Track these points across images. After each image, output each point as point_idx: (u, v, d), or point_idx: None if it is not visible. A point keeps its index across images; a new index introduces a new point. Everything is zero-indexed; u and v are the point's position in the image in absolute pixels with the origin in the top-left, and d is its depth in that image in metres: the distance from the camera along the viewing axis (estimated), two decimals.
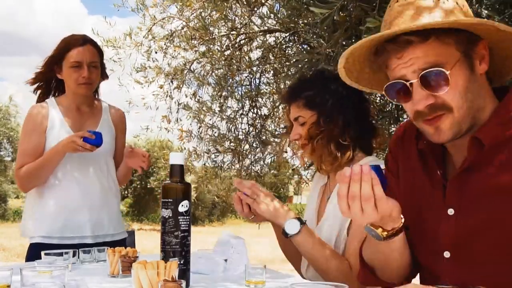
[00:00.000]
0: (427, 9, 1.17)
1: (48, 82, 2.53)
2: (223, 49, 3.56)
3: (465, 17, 1.19)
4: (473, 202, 1.21)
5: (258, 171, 3.85)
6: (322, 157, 1.84)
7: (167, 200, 1.46)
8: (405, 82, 1.18)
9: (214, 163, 3.79)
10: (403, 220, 1.24)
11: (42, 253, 1.71)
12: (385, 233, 1.23)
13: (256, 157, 3.79)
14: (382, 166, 1.29)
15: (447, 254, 1.25)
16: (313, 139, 1.81)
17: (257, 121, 3.76)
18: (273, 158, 3.83)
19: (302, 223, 1.73)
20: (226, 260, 1.73)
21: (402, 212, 1.24)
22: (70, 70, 2.41)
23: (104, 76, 2.61)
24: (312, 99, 1.83)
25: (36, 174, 2.37)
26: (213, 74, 3.65)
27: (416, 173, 1.35)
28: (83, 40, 2.44)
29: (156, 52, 3.85)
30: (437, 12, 1.17)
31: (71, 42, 2.42)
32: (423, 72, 1.15)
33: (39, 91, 2.55)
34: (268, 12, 3.03)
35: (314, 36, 2.25)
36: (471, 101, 1.18)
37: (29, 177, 2.38)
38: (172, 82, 3.94)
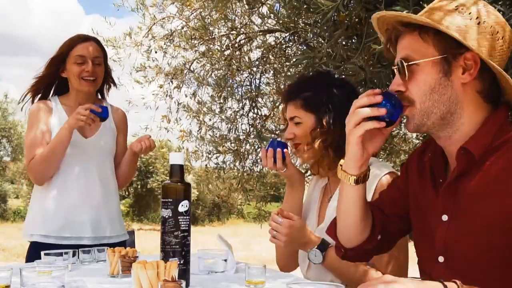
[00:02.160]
0: (444, 11, 1.23)
1: (49, 84, 2.53)
2: (223, 49, 3.55)
3: (478, 34, 1.20)
4: (464, 209, 1.25)
5: (260, 171, 3.83)
6: (319, 161, 1.84)
7: (167, 200, 1.46)
8: (394, 65, 1.30)
9: (216, 165, 3.78)
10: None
11: (42, 253, 1.71)
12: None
13: (258, 157, 3.78)
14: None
15: (441, 259, 1.29)
16: (313, 142, 1.80)
17: (257, 121, 3.75)
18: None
19: (324, 249, 1.72)
20: (226, 260, 1.73)
21: (412, 215, 1.41)
22: (73, 65, 2.42)
23: (109, 79, 2.62)
24: (310, 101, 1.82)
25: (48, 159, 2.33)
26: (213, 74, 3.65)
27: (423, 181, 1.40)
28: (87, 37, 2.48)
29: (156, 52, 3.85)
30: (448, 17, 1.21)
31: (74, 40, 2.46)
32: (398, 60, 1.27)
33: (38, 96, 2.53)
34: (268, 12, 3.03)
35: (314, 37, 2.25)
36: (436, 102, 1.24)
37: (41, 164, 2.34)
38: (172, 82, 3.94)
